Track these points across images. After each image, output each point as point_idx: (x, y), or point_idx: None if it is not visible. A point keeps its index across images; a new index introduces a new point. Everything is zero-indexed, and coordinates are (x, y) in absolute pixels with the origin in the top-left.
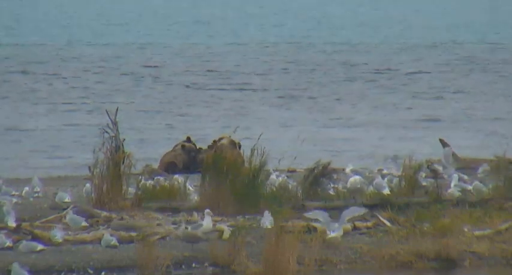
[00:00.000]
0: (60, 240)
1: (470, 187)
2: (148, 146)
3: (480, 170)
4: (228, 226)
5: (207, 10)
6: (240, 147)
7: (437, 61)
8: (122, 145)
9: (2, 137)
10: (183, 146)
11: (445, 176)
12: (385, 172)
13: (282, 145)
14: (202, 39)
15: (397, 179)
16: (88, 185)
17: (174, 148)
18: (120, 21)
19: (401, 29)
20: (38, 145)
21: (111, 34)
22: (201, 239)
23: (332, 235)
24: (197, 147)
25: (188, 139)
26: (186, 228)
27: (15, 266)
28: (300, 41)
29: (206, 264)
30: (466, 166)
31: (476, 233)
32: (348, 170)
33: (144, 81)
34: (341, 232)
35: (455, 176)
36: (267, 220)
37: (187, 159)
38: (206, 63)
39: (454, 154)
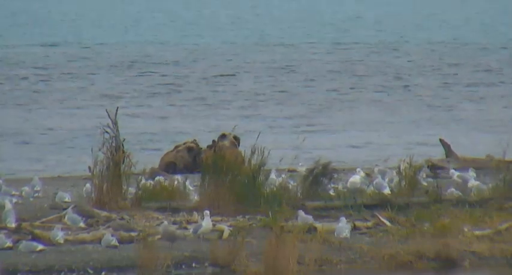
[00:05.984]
0: (62, 241)
1: (472, 180)
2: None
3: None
4: (228, 226)
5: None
6: (239, 144)
7: None
8: (122, 145)
9: (3, 138)
10: (189, 148)
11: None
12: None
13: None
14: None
15: (397, 179)
16: (88, 185)
17: (175, 148)
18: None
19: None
20: (39, 145)
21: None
22: (178, 238)
23: None
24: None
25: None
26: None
27: None
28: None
29: (206, 264)
30: (466, 166)
31: (476, 233)
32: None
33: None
34: None
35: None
36: (344, 228)
37: (190, 161)
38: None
39: (454, 154)
